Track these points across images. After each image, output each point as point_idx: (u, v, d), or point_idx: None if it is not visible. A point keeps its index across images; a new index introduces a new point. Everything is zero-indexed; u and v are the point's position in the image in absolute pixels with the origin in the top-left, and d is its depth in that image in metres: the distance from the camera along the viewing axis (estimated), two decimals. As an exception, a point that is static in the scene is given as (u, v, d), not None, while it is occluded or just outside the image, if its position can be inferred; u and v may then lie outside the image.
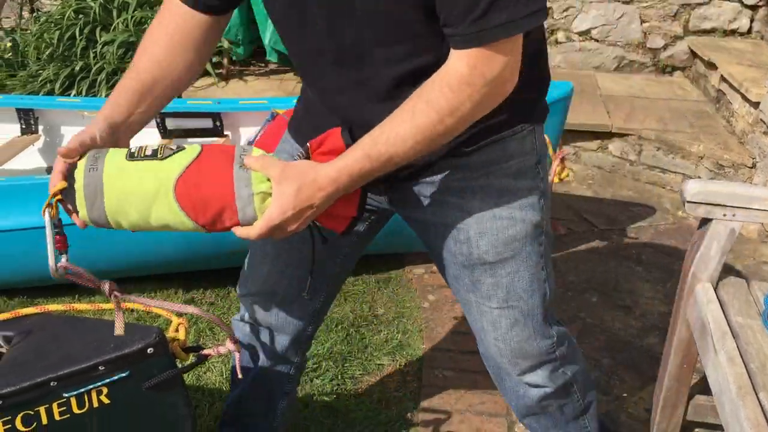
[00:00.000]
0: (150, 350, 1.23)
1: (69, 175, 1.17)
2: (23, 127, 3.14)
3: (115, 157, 1.16)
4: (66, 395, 1.22)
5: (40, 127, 3.19)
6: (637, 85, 4.18)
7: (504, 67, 1.11)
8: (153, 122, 3.10)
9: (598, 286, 2.71)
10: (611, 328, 2.47)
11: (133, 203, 1.13)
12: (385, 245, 2.72)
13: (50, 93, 3.94)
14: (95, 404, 1.24)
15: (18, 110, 3.12)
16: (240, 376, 1.32)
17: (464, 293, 1.43)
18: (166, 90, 1.31)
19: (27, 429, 1.22)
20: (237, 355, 1.32)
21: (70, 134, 3.21)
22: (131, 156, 1.15)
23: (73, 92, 3.93)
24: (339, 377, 2.22)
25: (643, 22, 4.30)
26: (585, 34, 4.37)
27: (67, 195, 1.17)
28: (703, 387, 1.80)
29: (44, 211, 1.17)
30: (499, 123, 1.27)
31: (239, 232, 1.18)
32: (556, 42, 4.41)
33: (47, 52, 4.06)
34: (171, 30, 1.29)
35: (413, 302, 2.60)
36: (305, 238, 1.32)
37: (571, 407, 1.58)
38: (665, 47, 4.33)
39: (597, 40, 4.38)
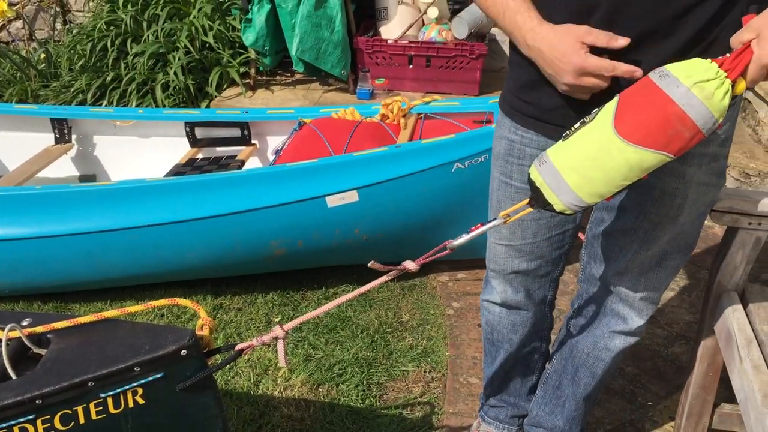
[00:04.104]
0: (184, 352, 1.27)
1: (531, 185, 1.26)
2: (57, 136, 3.23)
3: (553, 147, 1.22)
4: (103, 395, 1.26)
5: (74, 137, 3.27)
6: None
7: None
8: (183, 131, 3.16)
9: (623, 294, 2.70)
10: (636, 336, 2.47)
11: (589, 165, 1.15)
12: (410, 253, 2.76)
13: (82, 103, 4.03)
14: (130, 404, 1.28)
15: (52, 120, 3.21)
16: (283, 364, 1.33)
17: (627, 243, 1.49)
18: None
19: (65, 428, 1.26)
20: (281, 342, 1.33)
21: (102, 143, 3.30)
22: (564, 138, 1.21)
23: (105, 102, 4.02)
24: (364, 383, 2.25)
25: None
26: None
27: (537, 201, 1.25)
28: (728, 395, 1.79)
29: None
30: None
31: (755, 73, 1.09)
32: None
33: (79, 63, 4.15)
34: None
35: (438, 309, 2.62)
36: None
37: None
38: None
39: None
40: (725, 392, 1.86)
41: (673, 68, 1.10)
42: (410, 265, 1.33)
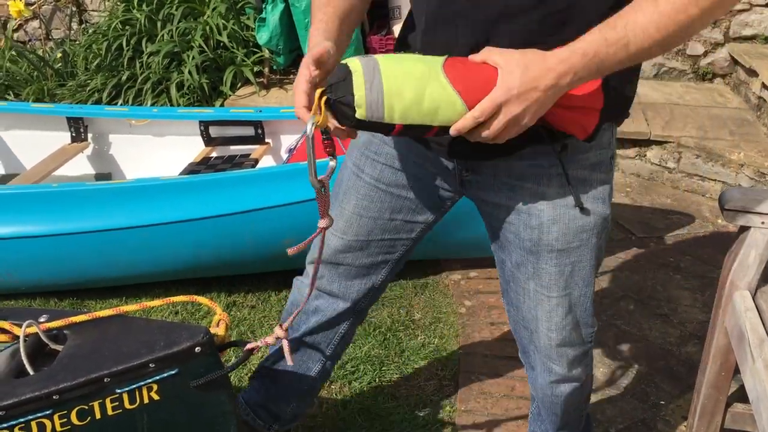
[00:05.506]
0: (198, 349, 1.29)
1: (339, 69, 1.18)
2: (73, 135, 3.26)
3: (384, 56, 1.20)
4: (118, 391, 1.28)
5: (89, 135, 3.30)
6: (676, 92, 4.15)
7: None
8: (197, 130, 3.19)
9: (635, 294, 2.70)
10: (648, 336, 2.47)
11: (410, 81, 1.15)
12: (423, 251, 2.76)
13: (98, 102, 4.07)
14: (146, 400, 1.30)
15: (68, 119, 3.24)
16: (290, 362, 1.35)
17: (524, 281, 1.45)
18: (358, 16, 1.36)
19: (82, 423, 1.28)
20: (285, 342, 1.35)
21: (118, 142, 3.33)
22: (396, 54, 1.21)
23: (120, 101, 4.05)
24: (376, 380, 2.26)
25: (683, 28, 4.26)
26: (624, 41, 4.34)
27: (338, 88, 1.17)
28: (740, 395, 1.79)
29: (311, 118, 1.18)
30: None
31: (460, 123, 1.15)
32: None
33: (95, 63, 4.19)
34: None
35: (450, 307, 2.63)
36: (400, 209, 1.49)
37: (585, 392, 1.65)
38: (705, 54, 4.29)
39: (636, 47, 4.35)
40: (738, 391, 1.86)
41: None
42: (322, 223, 1.30)
